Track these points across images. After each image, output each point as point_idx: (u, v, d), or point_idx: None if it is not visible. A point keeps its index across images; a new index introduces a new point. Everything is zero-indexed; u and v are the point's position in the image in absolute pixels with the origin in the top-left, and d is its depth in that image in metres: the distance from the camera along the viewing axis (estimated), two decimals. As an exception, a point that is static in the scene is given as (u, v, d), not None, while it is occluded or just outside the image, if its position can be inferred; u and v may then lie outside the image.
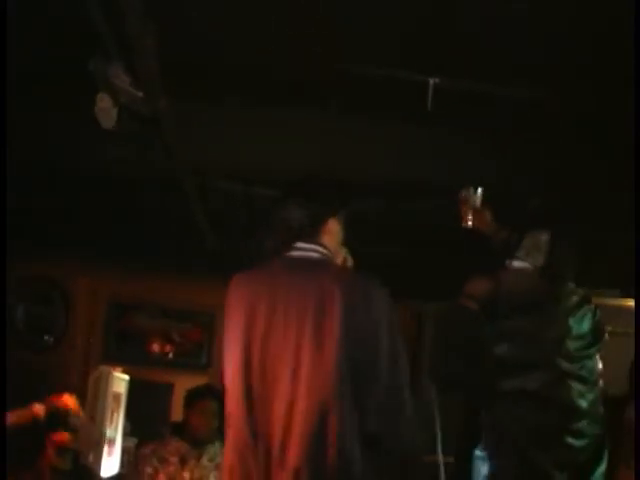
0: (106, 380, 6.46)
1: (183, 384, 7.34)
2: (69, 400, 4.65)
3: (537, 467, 3.18)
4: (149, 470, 4.89)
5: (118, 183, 5.23)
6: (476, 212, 3.75)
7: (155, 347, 7.50)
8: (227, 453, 2.62)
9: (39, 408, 4.47)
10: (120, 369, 6.79)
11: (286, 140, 4.30)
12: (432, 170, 4.49)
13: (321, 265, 2.72)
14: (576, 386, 3.33)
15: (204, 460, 4.95)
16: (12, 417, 4.20)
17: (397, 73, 3.28)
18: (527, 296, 3.37)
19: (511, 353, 3.25)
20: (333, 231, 2.80)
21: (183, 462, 4.92)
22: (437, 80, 3.20)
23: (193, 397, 5.21)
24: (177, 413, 7.41)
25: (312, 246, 2.73)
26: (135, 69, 3.29)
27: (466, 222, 3.77)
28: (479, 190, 3.82)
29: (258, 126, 4.16)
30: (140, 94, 3.53)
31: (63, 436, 4.44)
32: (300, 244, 2.73)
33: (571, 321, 3.35)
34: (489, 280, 3.44)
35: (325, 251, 2.74)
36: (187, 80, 3.76)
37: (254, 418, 2.51)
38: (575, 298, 3.47)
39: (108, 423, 6.44)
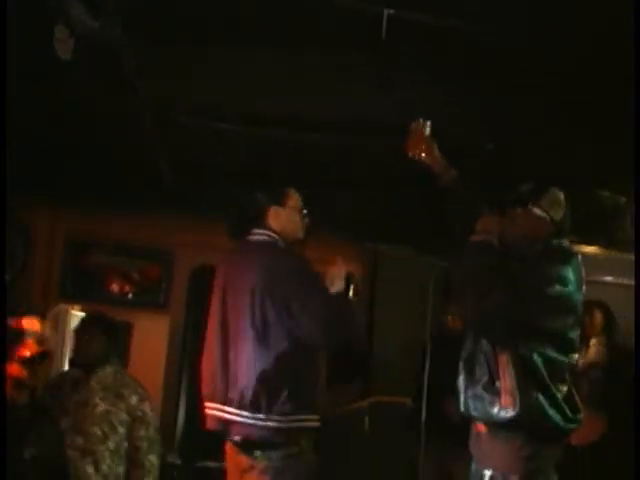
0: (64, 318, 6.44)
1: (142, 323, 7.35)
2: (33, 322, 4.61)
3: (557, 402, 3.23)
4: (49, 398, 5.03)
5: (75, 118, 5.14)
6: (426, 144, 3.64)
7: (114, 286, 7.46)
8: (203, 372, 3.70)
9: None
10: (78, 307, 6.75)
11: (240, 76, 4.25)
12: (385, 108, 4.45)
13: (265, 246, 3.60)
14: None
15: (92, 383, 5.05)
16: None
17: (351, 4, 3.22)
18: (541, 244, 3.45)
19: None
20: (279, 216, 3.65)
21: (74, 386, 5.09)
22: (392, 11, 3.13)
23: (79, 326, 5.36)
24: (136, 352, 7.43)
25: (261, 231, 3.63)
26: (91, -2, 3.23)
27: (415, 154, 3.61)
28: (428, 121, 3.70)
29: (212, 62, 4.10)
30: (97, 24, 3.47)
31: (19, 370, 4.40)
32: (254, 230, 3.64)
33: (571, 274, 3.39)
34: (502, 219, 3.47)
35: (271, 234, 3.61)
36: (144, 14, 3.69)
37: (220, 357, 3.55)
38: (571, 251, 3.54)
39: (66, 361, 6.42)
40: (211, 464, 5.89)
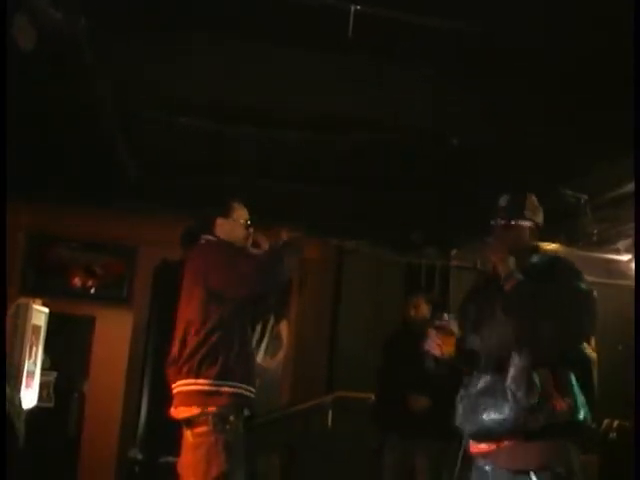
0: (25, 312, 6.36)
1: (104, 317, 7.31)
2: None
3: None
4: None
5: (38, 111, 5.09)
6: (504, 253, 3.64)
7: (77, 280, 7.40)
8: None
9: None
10: (40, 301, 6.68)
11: (207, 69, 4.23)
12: (354, 104, 4.47)
13: (208, 242, 4.09)
14: None
15: None
16: None
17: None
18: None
19: None
20: (223, 226, 4.09)
21: None
22: (358, 7, 3.14)
23: None
24: (99, 347, 7.39)
25: (208, 236, 4.10)
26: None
27: (495, 258, 3.59)
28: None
29: (179, 55, 4.08)
30: (59, 15, 3.44)
31: None
32: (204, 236, 4.12)
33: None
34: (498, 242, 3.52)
35: (213, 238, 4.09)
36: (109, 6, 3.66)
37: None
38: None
39: (27, 356, 6.36)
40: (173, 459, 5.87)
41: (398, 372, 5.90)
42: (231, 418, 3.75)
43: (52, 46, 3.65)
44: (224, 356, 3.77)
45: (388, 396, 5.98)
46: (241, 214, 4.17)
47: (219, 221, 4.12)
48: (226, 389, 3.74)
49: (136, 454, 6.41)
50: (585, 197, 5.64)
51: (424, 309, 5.98)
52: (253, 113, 4.76)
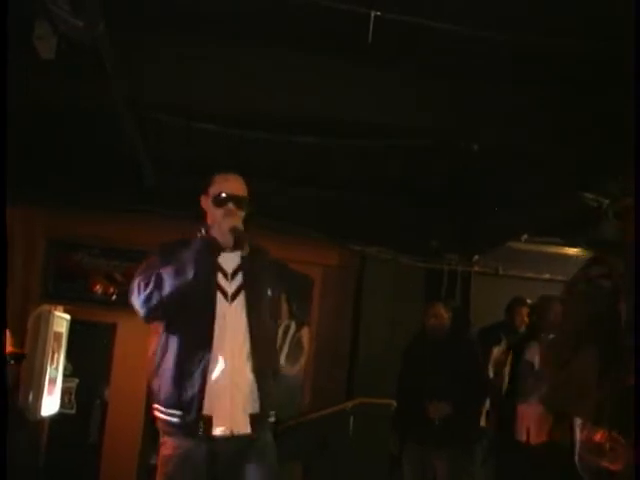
0: (46, 319, 6.39)
1: (126, 324, 7.31)
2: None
3: None
4: None
5: (58, 118, 5.12)
6: None
7: (98, 287, 7.42)
8: None
9: None
10: (61, 308, 6.71)
11: (224, 74, 4.24)
12: (370, 108, 4.45)
13: None
14: None
15: None
16: None
17: (338, 5, 3.22)
18: None
19: None
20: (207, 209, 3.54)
21: None
22: (378, 13, 3.12)
23: None
24: (120, 353, 7.40)
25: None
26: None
27: None
28: None
29: (196, 59, 4.09)
30: (80, 23, 3.45)
31: None
32: None
33: None
34: None
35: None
36: (128, 13, 3.67)
37: None
38: None
39: (49, 362, 6.39)
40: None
41: (418, 379, 5.88)
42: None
43: (72, 53, 3.66)
44: (158, 377, 3.38)
45: (408, 403, 5.96)
46: (219, 187, 3.49)
47: (203, 200, 3.54)
48: (156, 413, 3.38)
49: (156, 460, 6.39)
50: (607, 201, 5.59)
51: (444, 317, 5.95)
52: (270, 118, 4.76)
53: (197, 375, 3.30)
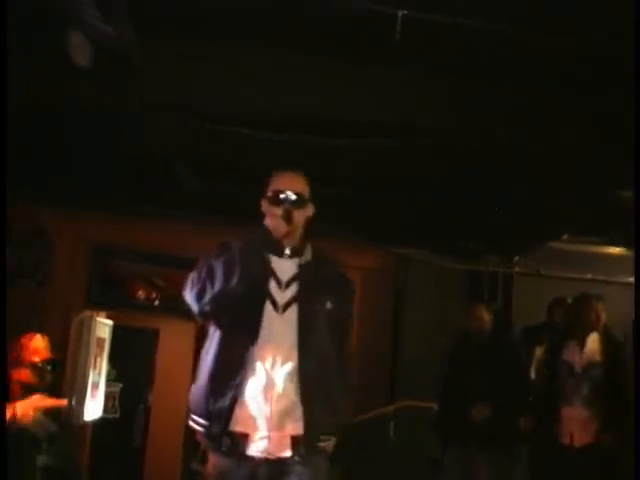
0: (89, 325, 6.45)
1: (168, 330, 7.38)
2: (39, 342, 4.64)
3: None
4: None
5: (96, 127, 5.17)
6: None
7: (140, 293, 7.49)
8: None
9: None
10: (104, 314, 6.77)
11: (256, 78, 4.24)
12: (399, 109, 4.43)
13: None
14: None
15: None
16: None
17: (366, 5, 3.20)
18: None
19: None
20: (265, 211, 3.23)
21: None
22: (405, 12, 3.09)
23: None
24: (163, 359, 7.46)
25: None
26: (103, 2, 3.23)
27: None
28: None
29: (228, 63, 4.11)
30: (110, 29, 3.48)
31: (28, 375, 4.43)
32: None
33: None
34: None
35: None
36: (159, 20, 3.70)
37: None
38: None
39: (91, 368, 6.45)
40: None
41: (460, 382, 5.83)
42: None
43: (106, 60, 3.69)
44: (195, 382, 3.21)
45: (450, 406, 5.91)
46: (275, 185, 3.19)
47: (263, 205, 3.22)
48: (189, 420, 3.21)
49: (197, 466, 6.44)
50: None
51: (485, 319, 5.90)
52: (304, 120, 4.75)
53: (232, 387, 3.05)
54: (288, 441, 3.08)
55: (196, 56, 4.15)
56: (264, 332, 3.09)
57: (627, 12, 2.91)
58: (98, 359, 6.66)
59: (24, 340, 4.39)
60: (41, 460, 4.34)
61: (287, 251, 3.19)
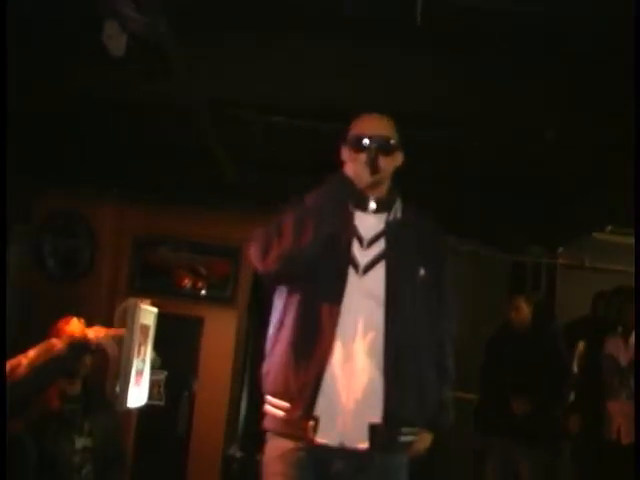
0: (133, 311, 6.50)
1: (212, 318, 7.42)
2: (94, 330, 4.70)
3: None
4: None
5: (137, 118, 5.22)
6: None
7: (186, 281, 7.53)
8: None
9: (57, 342, 4.45)
10: (148, 301, 6.82)
11: (298, 69, 4.23)
12: (447, 100, 4.40)
13: None
14: None
15: None
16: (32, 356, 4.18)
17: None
18: None
19: None
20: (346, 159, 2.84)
21: None
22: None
23: None
24: (207, 346, 7.51)
25: None
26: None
27: None
28: None
29: (264, 52, 4.10)
30: (146, 20, 3.51)
31: None
32: None
33: None
34: None
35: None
36: (195, 9, 3.71)
37: None
38: None
39: (135, 354, 6.51)
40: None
41: (500, 373, 5.79)
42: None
43: (141, 50, 3.72)
44: (268, 360, 2.89)
45: (490, 398, 5.88)
46: (357, 129, 2.83)
47: (344, 152, 2.88)
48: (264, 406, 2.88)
49: (235, 451, 6.48)
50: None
51: (525, 311, 5.84)
52: (345, 111, 4.74)
53: (315, 361, 2.63)
54: (365, 430, 2.63)
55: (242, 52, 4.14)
56: (345, 299, 2.67)
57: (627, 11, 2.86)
58: (142, 346, 6.69)
59: (60, 324, 4.42)
60: (80, 442, 4.39)
61: (372, 204, 2.81)
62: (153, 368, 6.93)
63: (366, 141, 2.75)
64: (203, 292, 7.45)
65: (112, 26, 3.58)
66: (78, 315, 5.17)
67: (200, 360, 7.52)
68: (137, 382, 6.58)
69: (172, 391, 7.44)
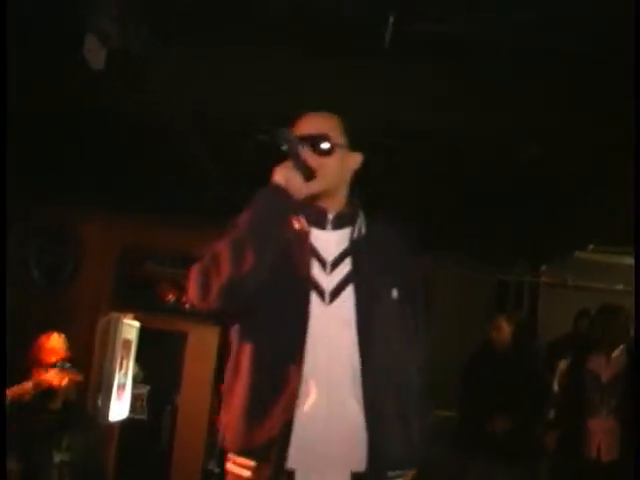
0: (115, 326, 6.52)
1: (196, 333, 7.41)
2: (57, 346, 4.70)
3: None
4: None
5: (129, 130, 5.22)
6: None
7: (170, 296, 7.53)
8: None
9: (27, 386, 4.46)
10: (131, 316, 6.83)
11: (286, 82, 4.24)
12: (435, 114, 4.40)
13: None
14: None
15: None
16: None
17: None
18: None
19: None
20: None
21: None
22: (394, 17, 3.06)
23: None
24: (190, 361, 7.50)
25: None
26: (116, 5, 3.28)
27: None
28: None
29: (256, 66, 4.11)
30: (122, 32, 3.52)
31: (48, 376, 4.50)
32: None
33: None
34: None
35: None
36: (173, 21, 3.72)
37: None
38: None
39: (117, 369, 6.52)
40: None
41: (480, 392, 5.79)
42: None
43: (120, 63, 3.74)
44: (226, 410, 2.45)
45: (470, 416, 5.88)
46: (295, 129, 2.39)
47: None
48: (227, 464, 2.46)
49: (214, 467, 6.48)
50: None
51: (505, 330, 5.85)
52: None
53: (279, 408, 2.22)
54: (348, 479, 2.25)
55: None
56: (311, 331, 2.26)
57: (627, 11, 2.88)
58: (124, 360, 6.73)
59: (41, 340, 4.46)
60: (57, 457, 4.40)
61: (330, 220, 2.40)
62: (135, 382, 6.98)
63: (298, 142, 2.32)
64: (187, 307, 7.43)
65: (92, 40, 3.60)
66: (60, 328, 5.19)
67: (183, 375, 7.52)
68: (119, 396, 6.64)
69: (155, 405, 7.44)
